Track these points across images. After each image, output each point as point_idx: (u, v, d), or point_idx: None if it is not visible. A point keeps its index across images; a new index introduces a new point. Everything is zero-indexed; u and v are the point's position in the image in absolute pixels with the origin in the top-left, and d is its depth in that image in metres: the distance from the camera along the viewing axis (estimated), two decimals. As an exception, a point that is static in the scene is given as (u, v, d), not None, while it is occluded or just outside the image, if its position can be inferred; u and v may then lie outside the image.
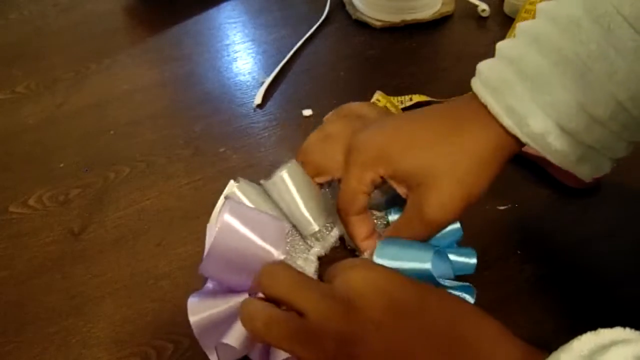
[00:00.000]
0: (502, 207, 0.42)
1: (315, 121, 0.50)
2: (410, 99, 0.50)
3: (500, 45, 0.32)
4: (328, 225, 0.39)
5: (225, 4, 0.67)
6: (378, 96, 0.48)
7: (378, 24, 0.61)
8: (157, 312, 0.36)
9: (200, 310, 0.31)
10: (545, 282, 0.38)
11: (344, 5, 0.65)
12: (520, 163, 0.45)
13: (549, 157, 0.32)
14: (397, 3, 0.61)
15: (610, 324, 0.35)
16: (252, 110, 0.52)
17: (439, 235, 0.35)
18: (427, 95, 0.50)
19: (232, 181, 0.38)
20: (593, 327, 0.35)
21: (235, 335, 0.29)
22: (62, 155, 0.48)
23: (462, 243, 0.40)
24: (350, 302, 0.25)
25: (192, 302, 0.32)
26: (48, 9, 0.67)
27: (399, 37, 0.61)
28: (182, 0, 0.67)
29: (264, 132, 0.49)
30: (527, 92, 0.30)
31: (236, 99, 0.53)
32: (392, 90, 0.50)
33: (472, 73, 0.33)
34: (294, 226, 0.39)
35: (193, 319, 0.31)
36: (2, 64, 0.59)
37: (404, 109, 0.49)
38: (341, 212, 0.35)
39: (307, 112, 0.51)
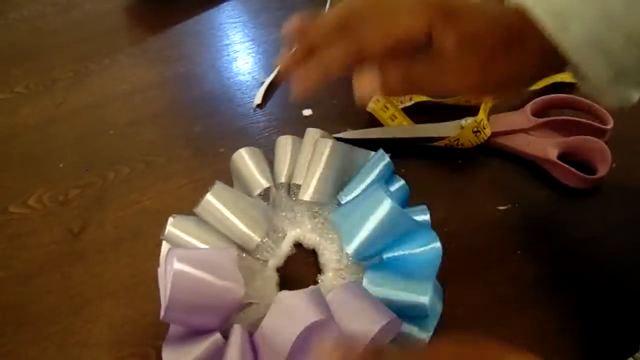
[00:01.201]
0: (502, 207, 0.42)
1: (316, 121, 0.50)
2: (410, 99, 0.50)
3: None
4: (276, 234, 0.38)
5: (225, 4, 0.67)
6: (378, 96, 0.48)
7: (378, 24, 0.61)
8: (157, 312, 0.36)
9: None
10: (545, 283, 0.38)
11: (343, 5, 0.65)
12: (521, 163, 0.45)
13: (583, 74, 0.30)
14: (397, 3, 0.61)
15: (610, 324, 0.35)
16: (252, 110, 0.52)
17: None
18: (427, 95, 0.50)
19: (170, 218, 0.37)
20: (593, 328, 0.35)
21: None
22: (61, 155, 0.48)
23: (462, 244, 0.40)
24: None
25: (167, 352, 0.31)
26: (47, 8, 0.67)
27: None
28: (182, 0, 0.67)
29: (264, 132, 0.49)
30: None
31: (236, 99, 0.53)
32: (392, 90, 0.50)
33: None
34: (239, 246, 0.37)
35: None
36: (1, 63, 0.59)
37: (404, 109, 0.49)
38: (349, 42, 0.31)
39: (307, 112, 0.51)
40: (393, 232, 0.35)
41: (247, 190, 0.41)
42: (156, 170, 0.46)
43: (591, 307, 0.36)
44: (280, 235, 0.39)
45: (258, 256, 0.38)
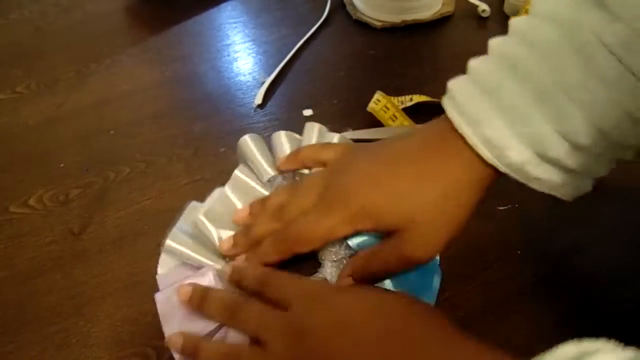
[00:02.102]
0: (502, 207, 0.42)
1: (316, 121, 0.50)
2: (411, 99, 0.50)
3: (472, 66, 0.31)
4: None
5: (225, 4, 0.67)
6: (378, 96, 0.48)
7: (378, 24, 0.61)
8: (157, 312, 0.36)
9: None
10: (545, 283, 0.38)
11: (344, 6, 0.65)
12: (521, 163, 0.45)
13: (530, 185, 0.31)
14: (397, 3, 0.61)
15: (610, 324, 0.35)
16: (253, 110, 0.52)
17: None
18: (427, 95, 0.50)
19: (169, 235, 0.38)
20: (593, 328, 0.35)
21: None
22: (62, 155, 0.48)
23: (462, 244, 0.40)
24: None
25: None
26: (48, 8, 0.67)
27: (399, 37, 0.61)
28: (182, 0, 0.67)
29: (265, 132, 0.49)
30: (506, 123, 0.29)
31: (236, 99, 0.53)
32: (393, 91, 0.50)
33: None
34: None
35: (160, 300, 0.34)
36: (2, 64, 0.59)
37: (404, 109, 0.49)
38: (305, 244, 0.35)
39: (308, 112, 0.51)
40: None
41: (256, 175, 0.42)
42: (156, 170, 0.46)
43: (591, 308, 0.36)
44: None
45: None
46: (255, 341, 0.30)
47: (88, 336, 0.36)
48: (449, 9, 0.64)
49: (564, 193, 0.32)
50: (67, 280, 0.39)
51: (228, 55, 0.59)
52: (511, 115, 0.29)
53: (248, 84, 0.55)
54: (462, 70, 0.32)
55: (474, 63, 0.31)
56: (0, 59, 0.60)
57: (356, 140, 0.46)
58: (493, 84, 0.30)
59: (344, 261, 0.37)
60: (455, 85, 0.32)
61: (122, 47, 0.60)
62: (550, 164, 0.30)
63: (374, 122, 0.48)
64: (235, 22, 0.64)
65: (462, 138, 0.30)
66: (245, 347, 0.31)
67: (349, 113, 0.50)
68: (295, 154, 0.40)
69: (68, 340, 0.36)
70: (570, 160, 0.29)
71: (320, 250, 0.37)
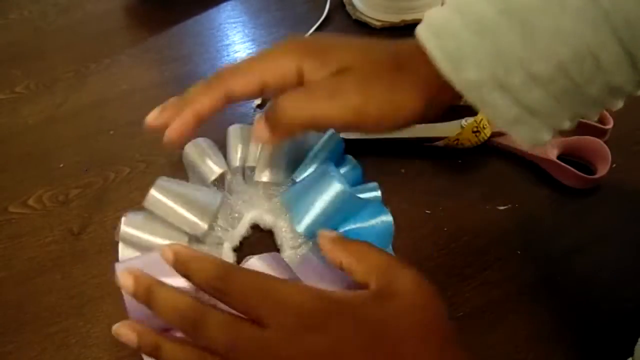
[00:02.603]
0: (502, 207, 0.42)
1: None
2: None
3: None
4: (233, 217, 0.39)
5: (225, 4, 0.67)
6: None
7: (378, 24, 0.61)
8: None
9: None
10: (545, 283, 0.38)
11: (343, 5, 0.65)
12: (521, 163, 0.45)
13: (486, 112, 0.30)
14: (397, 3, 0.61)
15: (610, 324, 0.35)
16: (252, 110, 0.52)
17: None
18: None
19: (123, 217, 0.37)
20: (592, 328, 0.35)
21: None
22: (62, 155, 0.48)
23: (462, 244, 0.40)
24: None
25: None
26: (48, 8, 0.67)
27: (399, 37, 0.60)
28: (182, 0, 0.67)
29: (264, 132, 0.49)
30: (469, 38, 0.28)
31: (236, 99, 0.53)
32: (392, 90, 0.50)
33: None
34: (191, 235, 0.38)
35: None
36: (1, 64, 0.59)
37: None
38: (215, 81, 0.32)
39: (307, 112, 0.51)
40: (342, 211, 0.36)
41: (201, 180, 0.41)
42: (156, 170, 0.46)
43: (590, 308, 0.36)
44: (237, 216, 0.40)
45: (212, 242, 0.38)
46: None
47: (88, 336, 0.36)
48: (449, 9, 0.63)
49: (518, 134, 0.31)
50: (66, 281, 0.39)
51: (228, 55, 0.59)
52: (475, 30, 0.28)
53: (248, 84, 0.55)
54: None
55: None
56: (-1, 59, 0.60)
57: (356, 140, 0.46)
58: (463, 2, 0.29)
59: (303, 247, 0.37)
60: (431, 11, 0.31)
61: (121, 47, 0.60)
62: (506, 92, 0.29)
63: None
64: (234, 22, 0.64)
65: (425, 52, 0.30)
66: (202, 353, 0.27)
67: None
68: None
69: (68, 340, 0.36)
70: (526, 92, 0.29)
71: (278, 237, 0.38)
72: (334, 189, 0.35)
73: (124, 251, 0.37)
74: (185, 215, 0.37)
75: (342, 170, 0.41)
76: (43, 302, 0.38)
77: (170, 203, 0.37)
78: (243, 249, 0.39)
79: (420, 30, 0.30)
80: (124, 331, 0.28)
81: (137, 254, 0.37)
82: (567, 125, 0.31)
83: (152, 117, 0.33)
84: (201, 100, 0.31)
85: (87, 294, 0.38)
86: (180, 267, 0.28)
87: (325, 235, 0.32)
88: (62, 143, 0.49)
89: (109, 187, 0.45)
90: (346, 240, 0.32)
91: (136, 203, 0.44)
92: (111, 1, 0.67)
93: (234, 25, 0.63)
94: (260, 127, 0.32)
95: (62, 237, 0.42)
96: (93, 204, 0.44)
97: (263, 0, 0.67)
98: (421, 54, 0.30)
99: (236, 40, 0.61)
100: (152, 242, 0.37)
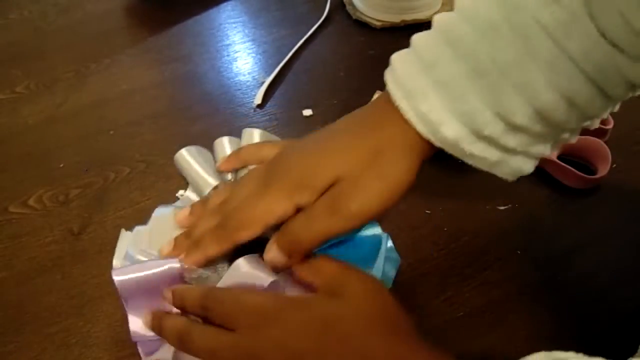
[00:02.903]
0: (502, 207, 0.42)
1: (315, 121, 0.50)
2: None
3: (415, 40, 0.31)
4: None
5: (225, 4, 0.67)
6: (378, 96, 0.48)
7: (378, 24, 0.61)
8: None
9: (126, 273, 0.34)
10: (545, 283, 0.38)
11: (344, 5, 0.65)
12: (520, 163, 0.45)
13: (468, 161, 0.31)
14: (397, 3, 0.61)
15: (610, 324, 0.35)
16: (252, 110, 0.52)
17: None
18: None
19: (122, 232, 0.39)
20: (592, 328, 0.35)
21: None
22: (62, 155, 0.48)
23: (462, 244, 0.40)
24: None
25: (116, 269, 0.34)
26: (48, 8, 0.67)
27: (399, 37, 0.61)
28: (182, 0, 0.67)
29: (264, 132, 0.49)
30: (441, 100, 0.29)
31: (236, 99, 0.53)
32: (392, 90, 0.50)
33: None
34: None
35: (118, 278, 0.33)
36: (1, 64, 0.59)
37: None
38: (244, 229, 0.33)
39: (307, 112, 0.51)
40: None
41: (196, 189, 0.41)
42: (156, 170, 0.46)
43: (590, 308, 0.36)
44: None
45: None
46: None
47: (88, 336, 0.36)
48: (449, 8, 0.64)
49: (502, 172, 0.32)
50: (66, 280, 0.39)
51: (228, 55, 0.59)
52: (446, 92, 0.29)
53: (248, 84, 0.55)
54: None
55: (416, 37, 0.31)
56: (-1, 59, 0.60)
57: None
58: (432, 58, 0.29)
59: None
60: (398, 57, 0.32)
61: (121, 47, 0.60)
62: (486, 142, 0.30)
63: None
64: (234, 22, 0.64)
65: (399, 111, 0.31)
66: None
67: (349, 113, 0.50)
68: (236, 153, 0.41)
69: (68, 340, 0.36)
70: (507, 139, 0.29)
71: (268, 238, 0.38)
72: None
73: (118, 258, 0.38)
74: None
75: None
76: (43, 302, 0.38)
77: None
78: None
79: (392, 89, 0.31)
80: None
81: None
82: (549, 153, 0.32)
83: (164, 252, 0.36)
84: (211, 247, 0.34)
85: (87, 294, 0.38)
86: (176, 299, 0.32)
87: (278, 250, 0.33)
88: (62, 143, 0.49)
89: (109, 187, 0.45)
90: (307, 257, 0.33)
91: (136, 203, 0.44)
92: (111, 1, 0.67)
93: (234, 25, 0.63)
94: (274, 255, 0.33)
95: (62, 237, 0.42)
96: (93, 204, 0.44)
97: (263, 0, 0.67)
98: (395, 119, 0.31)
99: (236, 40, 0.61)
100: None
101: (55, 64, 0.58)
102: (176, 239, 0.36)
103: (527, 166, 0.32)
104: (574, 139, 0.32)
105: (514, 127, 0.29)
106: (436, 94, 0.29)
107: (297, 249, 0.32)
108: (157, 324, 0.32)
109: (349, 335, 0.28)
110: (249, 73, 0.56)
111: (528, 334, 0.35)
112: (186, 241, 0.36)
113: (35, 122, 0.52)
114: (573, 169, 0.42)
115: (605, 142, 0.43)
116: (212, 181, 0.40)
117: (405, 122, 0.31)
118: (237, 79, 0.56)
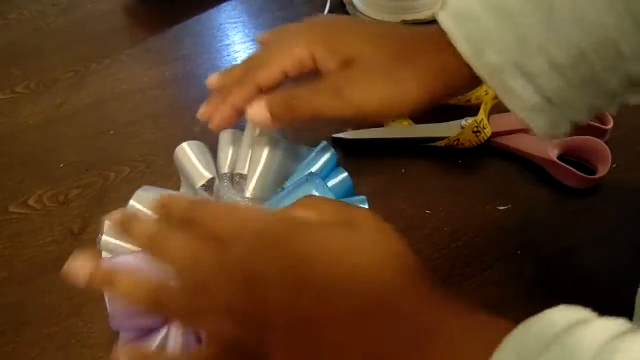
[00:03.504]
0: (502, 207, 0.42)
1: (315, 121, 0.50)
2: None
3: None
4: None
5: (225, 4, 0.67)
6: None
7: (378, 24, 0.61)
8: (157, 312, 0.36)
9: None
10: (545, 283, 0.38)
11: (344, 5, 0.65)
12: (521, 163, 0.45)
13: (505, 99, 0.31)
14: (397, 3, 0.61)
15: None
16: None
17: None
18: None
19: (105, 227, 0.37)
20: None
21: None
22: (62, 155, 0.48)
23: (462, 244, 0.40)
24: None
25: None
26: (48, 8, 0.67)
27: (399, 37, 0.61)
28: (182, 0, 0.67)
29: (264, 132, 0.49)
30: (491, 22, 0.29)
31: (236, 99, 0.53)
32: (392, 90, 0.50)
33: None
34: None
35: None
36: (1, 64, 0.59)
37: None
38: (247, 76, 0.35)
39: (307, 112, 0.51)
40: None
41: (190, 183, 0.41)
42: (156, 170, 0.46)
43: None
44: None
45: None
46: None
47: (88, 336, 0.36)
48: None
49: (537, 124, 0.31)
50: (66, 281, 0.39)
51: (228, 55, 0.59)
52: (497, 15, 0.29)
53: (248, 84, 0.55)
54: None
55: None
56: (-1, 59, 0.60)
57: (356, 140, 0.46)
58: None
59: None
60: None
61: (121, 47, 0.60)
62: (527, 78, 0.29)
63: (374, 122, 0.48)
64: (235, 22, 0.64)
65: (446, 35, 0.30)
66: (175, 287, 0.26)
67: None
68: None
69: (68, 340, 0.36)
70: (547, 81, 0.29)
71: None
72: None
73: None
74: None
75: (332, 182, 0.41)
76: (43, 302, 0.38)
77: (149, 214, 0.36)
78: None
79: (441, 15, 0.31)
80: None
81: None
82: (584, 118, 0.31)
83: (200, 113, 0.37)
84: (237, 95, 0.35)
85: (87, 294, 0.38)
86: (161, 208, 0.28)
87: None
88: (62, 143, 0.49)
89: (109, 187, 0.45)
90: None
91: (136, 203, 0.44)
92: (111, 1, 0.67)
93: (234, 25, 0.63)
94: (259, 110, 0.33)
95: (62, 237, 0.42)
96: (93, 204, 0.44)
97: (263, 0, 0.67)
98: (435, 42, 0.31)
99: (236, 40, 0.61)
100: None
101: (55, 64, 0.58)
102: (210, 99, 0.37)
103: (562, 127, 0.31)
104: (613, 109, 0.31)
105: (556, 67, 0.28)
106: (486, 16, 0.29)
107: (284, 111, 0.33)
108: (126, 227, 0.28)
109: (372, 270, 0.23)
110: (249, 73, 0.56)
111: (528, 334, 0.35)
112: (216, 96, 0.37)
113: (35, 122, 0.52)
114: (573, 169, 0.42)
115: (605, 142, 0.43)
116: (207, 174, 0.40)
117: (448, 46, 0.30)
118: (237, 79, 0.56)
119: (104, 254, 0.37)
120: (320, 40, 0.34)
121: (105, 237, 0.36)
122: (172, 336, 0.32)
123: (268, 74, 0.34)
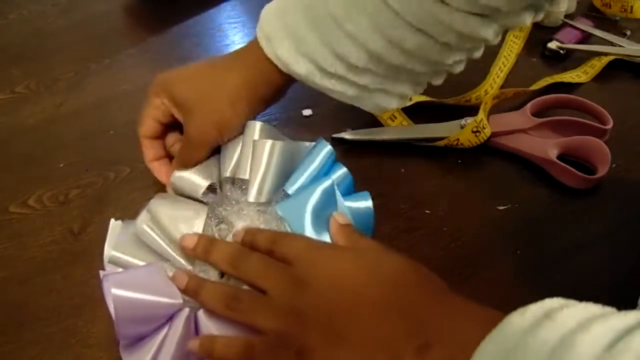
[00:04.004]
0: (502, 207, 0.42)
1: (315, 121, 0.50)
2: (410, 99, 0.50)
3: None
4: (222, 227, 0.38)
5: (225, 4, 0.67)
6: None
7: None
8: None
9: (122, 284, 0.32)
10: (545, 283, 0.38)
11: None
12: (521, 163, 0.45)
13: (328, 93, 0.38)
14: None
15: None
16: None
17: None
18: (426, 95, 0.50)
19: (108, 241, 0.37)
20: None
21: None
22: (62, 155, 0.48)
23: (462, 244, 0.40)
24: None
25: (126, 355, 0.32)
26: (48, 8, 0.67)
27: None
28: (182, 1, 0.67)
29: (264, 132, 0.49)
30: (291, 43, 0.36)
31: (236, 99, 0.53)
32: (392, 91, 0.50)
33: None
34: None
35: (117, 292, 0.31)
36: (1, 64, 0.59)
37: (404, 109, 0.49)
38: (139, 134, 0.42)
39: (307, 112, 0.51)
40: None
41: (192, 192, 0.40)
42: (156, 170, 0.46)
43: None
44: (224, 227, 0.38)
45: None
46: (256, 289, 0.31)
47: (88, 336, 0.36)
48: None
49: (365, 106, 0.39)
50: (66, 281, 0.39)
51: (228, 55, 0.59)
52: (294, 36, 0.36)
53: (248, 84, 0.55)
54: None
55: None
56: (-1, 59, 0.60)
57: (356, 141, 0.47)
58: (285, 8, 0.37)
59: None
60: (266, 9, 0.39)
61: (121, 47, 0.60)
62: (335, 78, 0.37)
63: (374, 122, 0.48)
64: (235, 22, 0.64)
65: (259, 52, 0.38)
66: (245, 290, 0.32)
67: (349, 113, 0.50)
68: None
69: (68, 340, 0.36)
70: (354, 77, 0.36)
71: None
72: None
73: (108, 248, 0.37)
74: (172, 254, 0.36)
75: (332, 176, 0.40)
76: (43, 302, 0.38)
77: (158, 240, 0.36)
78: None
79: (257, 32, 0.38)
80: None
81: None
82: (412, 92, 0.38)
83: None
84: (148, 155, 0.43)
85: (87, 294, 0.38)
86: (248, 234, 0.35)
87: (337, 219, 0.35)
88: (63, 143, 0.49)
89: (109, 187, 0.45)
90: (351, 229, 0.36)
91: (136, 203, 0.44)
92: (111, 1, 0.68)
93: (234, 25, 0.63)
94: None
95: (62, 237, 0.42)
96: (93, 204, 0.44)
97: (263, 1, 0.67)
98: (249, 57, 0.39)
99: (236, 40, 0.61)
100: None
101: (55, 64, 0.59)
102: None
103: (390, 103, 0.39)
104: (438, 80, 0.38)
105: (353, 67, 0.35)
106: (286, 39, 0.36)
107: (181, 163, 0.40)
108: (206, 244, 0.34)
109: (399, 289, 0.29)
110: (249, 73, 0.56)
111: (528, 334, 0.35)
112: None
113: (35, 122, 0.52)
114: (573, 169, 0.42)
115: (605, 142, 0.43)
116: (203, 182, 0.39)
117: (264, 57, 0.37)
118: (237, 79, 0.56)
119: (109, 267, 0.36)
120: (162, 90, 0.40)
121: (114, 252, 0.36)
122: (169, 339, 0.31)
123: (144, 128, 0.41)
